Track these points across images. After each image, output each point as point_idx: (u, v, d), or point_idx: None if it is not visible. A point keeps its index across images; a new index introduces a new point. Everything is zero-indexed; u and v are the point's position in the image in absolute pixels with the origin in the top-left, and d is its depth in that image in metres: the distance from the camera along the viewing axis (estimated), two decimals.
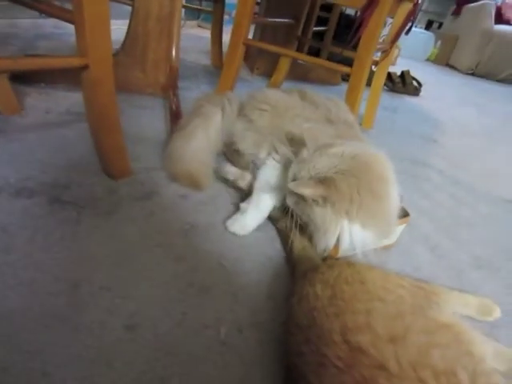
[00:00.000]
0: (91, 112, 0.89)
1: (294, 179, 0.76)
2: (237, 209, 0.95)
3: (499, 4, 4.68)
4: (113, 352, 0.59)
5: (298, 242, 0.84)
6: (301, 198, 0.73)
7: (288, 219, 0.80)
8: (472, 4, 4.77)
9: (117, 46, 1.47)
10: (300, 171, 0.74)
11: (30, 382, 0.53)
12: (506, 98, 3.61)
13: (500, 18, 4.62)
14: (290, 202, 0.78)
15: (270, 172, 0.91)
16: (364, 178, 0.70)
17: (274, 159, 0.91)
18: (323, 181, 0.70)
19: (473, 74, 4.75)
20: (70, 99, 1.39)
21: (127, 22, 1.49)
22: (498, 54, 4.51)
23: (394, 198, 0.75)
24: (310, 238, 0.80)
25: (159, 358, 0.60)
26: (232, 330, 0.67)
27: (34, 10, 0.95)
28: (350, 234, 0.72)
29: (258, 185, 0.92)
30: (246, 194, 0.98)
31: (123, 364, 0.57)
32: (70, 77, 1.45)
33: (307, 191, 0.69)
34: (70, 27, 0.79)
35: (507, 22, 4.65)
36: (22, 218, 0.80)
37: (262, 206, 0.91)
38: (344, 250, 0.76)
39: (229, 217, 0.93)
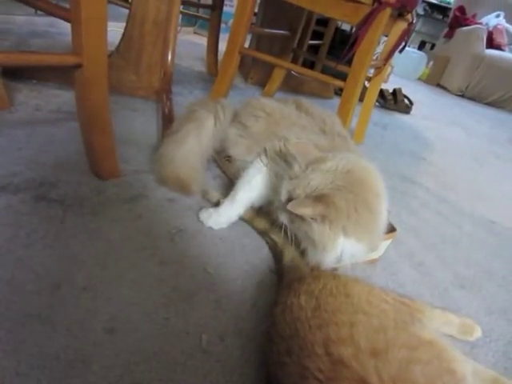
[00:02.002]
0: (83, 111, 0.88)
1: (289, 196, 0.75)
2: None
3: (490, 29, 4.78)
4: (91, 354, 0.58)
5: (288, 252, 0.84)
6: (297, 215, 0.73)
7: (278, 231, 0.80)
8: (464, 28, 4.86)
9: (111, 47, 1.47)
10: (295, 189, 0.73)
11: (3, 381, 0.51)
12: (492, 121, 3.67)
13: (491, 43, 4.72)
14: (283, 219, 0.77)
15: (253, 173, 0.92)
16: (360, 194, 0.70)
17: (261, 161, 0.91)
18: (320, 198, 0.69)
19: (462, 96, 4.83)
20: (61, 97, 1.38)
21: (123, 24, 1.49)
22: (487, 77, 4.60)
23: (384, 211, 0.75)
24: (302, 251, 0.80)
25: (138, 362, 0.59)
26: (214, 337, 0.66)
27: (30, 6, 0.95)
28: (343, 248, 0.72)
29: (238, 183, 0.93)
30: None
31: (101, 367, 0.56)
32: (62, 75, 1.44)
33: (306, 211, 0.69)
34: (65, 26, 0.79)
35: (498, 47, 4.75)
36: (5, 214, 0.79)
37: (236, 202, 0.92)
38: (331, 261, 0.75)
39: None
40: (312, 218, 0.71)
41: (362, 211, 0.70)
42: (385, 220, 0.77)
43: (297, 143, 0.80)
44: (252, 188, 0.91)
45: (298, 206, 0.69)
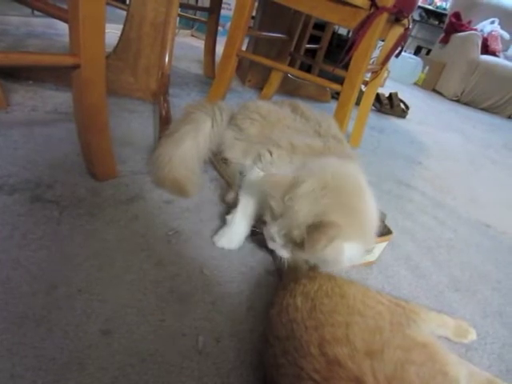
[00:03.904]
0: (80, 112, 0.88)
1: (287, 239, 0.72)
2: (223, 222, 0.94)
3: (486, 35, 4.82)
4: (87, 356, 0.58)
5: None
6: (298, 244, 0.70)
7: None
8: (459, 34, 4.89)
9: (109, 49, 1.47)
10: (290, 230, 0.70)
11: None
12: (487, 126, 3.69)
13: (486, 49, 4.75)
14: (283, 254, 0.75)
15: (254, 177, 0.90)
16: (347, 201, 0.70)
17: (258, 168, 0.90)
18: (323, 225, 0.65)
19: (458, 101, 4.85)
20: (57, 98, 1.37)
21: (121, 26, 1.49)
22: (482, 83, 4.63)
23: (371, 206, 0.74)
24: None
25: (134, 364, 0.58)
26: (210, 339, 0.66)
27: (27, 6, 0.95)
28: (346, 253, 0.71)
29: (244, 196, 0.91)
30: (230, 207, 0.98)
31: (96, 369, 0.56)
32: (58, 75, 1.44)
33: (323, 245, 0.64)
34: (62, 27, 0.79)
35: (492, 54, 4.79)
36: (1, 214, 0.78)
37: (247, 216, 0.90)
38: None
39: (214, 230, 0.93)
40: None
41: (355, 216, 0.70)
42: (375, 214, 0.75)
43: (266, 177, 0.77)
44: (257, 197, 0.89)
45: (314, 245, 0.64)
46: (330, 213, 0.67)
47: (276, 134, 0.93)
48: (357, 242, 0.71)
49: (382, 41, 1.78)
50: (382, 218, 0.96)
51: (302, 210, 0.68)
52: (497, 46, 4.88)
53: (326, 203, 0.68)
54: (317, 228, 0.65)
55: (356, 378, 0.46)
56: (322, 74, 2.27)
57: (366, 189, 0.75)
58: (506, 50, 5.00)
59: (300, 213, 0.68)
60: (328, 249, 0.66)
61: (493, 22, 4.94)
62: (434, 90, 5.29)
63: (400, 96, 2.94)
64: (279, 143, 0.89)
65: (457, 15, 5.05)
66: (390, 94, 2.91)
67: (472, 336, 0.80)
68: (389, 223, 0.96)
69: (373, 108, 2.72)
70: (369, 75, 1.85)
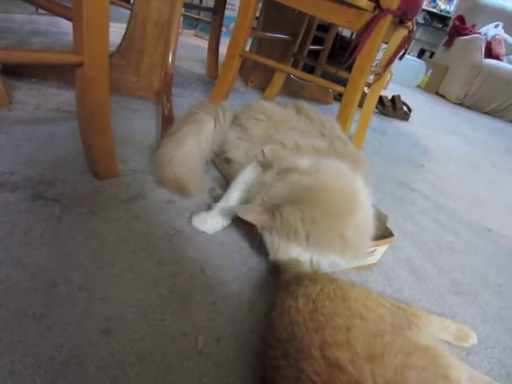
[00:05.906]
0: (83, 110, 0.88)
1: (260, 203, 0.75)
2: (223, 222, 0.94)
3: (489, 39, 4.81)
4: (86, 354, 0.57)
5: None
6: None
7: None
8: (463, 37, 4.89)
9: (113, 48, 1.47)
10: (256, 194, 0.74)
11: None
12: (490, 130, 3.69)
13: (489, 53, 4.75)
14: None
15: (249, 173, 0.90)
16: (316, 208, 0.69)
17: (258, 161, 0.90)
18: (272, 208, 0.69)
19: (461, 104, 4.84)
20: (60, 97, 1.37)
21: (125, 25, 1.49)
22: (485, 87, 4.62)
23: (359, 220, 0.73)
24: None
25: (134, 363, 0.58)
26: (210, 339, 0.66)
27: (31, 4, 0.95)
28: (311, 259, 0.73)
29: (233, 184, 0.91)
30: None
31: (96, 367, 0.56)
32: (61, 74, 1.44)
33: (251, 217, 0.69)
34: (66, 25, 0.79)
35: (496, 57, 4.78)
36: (2, 211, 0.78)
37: (230, 203, 0.90)
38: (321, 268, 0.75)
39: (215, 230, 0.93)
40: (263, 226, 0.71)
41: (313, 225, 0.69)
42: (362, 226, 0.74)
43: (272, 149, 0.79)
44: (248, 188, 0.89)
45: (246, 211, 0.70)
46: (287, 207, 0.69)
47: (280, 135, 0.93)
48: (327, 253, 0.72)
49: (386, 43, 1.78)
50: (384, 219, 0.96)
51: (276, 189, 0.71)
52: (500, 49, 4.88)
53: (295, 199, 0.69)
54: (265, 206, 0.70)
55: (356, 382, 0.45)
56: (325, 76, 2.27)
57: (363, 203, 0.73)
58: (509, 53, 5.00)
59: (273, 191, 0.71)
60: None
61: (497, 26, 4.94)
62: (437, 93, 5.29)
63: (403, 99, 2.94)
64: (284, 143, 0.89)
65: (460, 18, 5.05)
66: (393, 97, 2.90)
67: (473, 340, 0.79)
68: (390, 225, 0.96)
69: (375, 110, 2.72)
70: (372, 77, 1.85)
